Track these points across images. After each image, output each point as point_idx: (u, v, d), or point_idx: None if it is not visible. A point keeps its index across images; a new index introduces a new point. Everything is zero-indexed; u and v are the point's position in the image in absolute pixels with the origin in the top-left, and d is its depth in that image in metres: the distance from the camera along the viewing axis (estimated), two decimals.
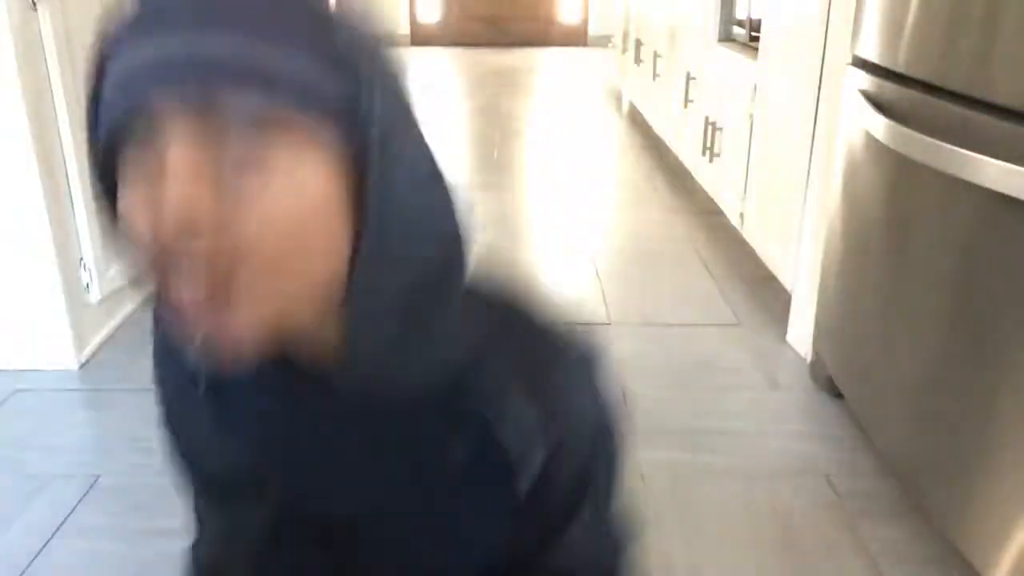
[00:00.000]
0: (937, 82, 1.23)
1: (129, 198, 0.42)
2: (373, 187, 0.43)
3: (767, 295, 2.19)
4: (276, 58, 0.40)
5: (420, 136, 0.46)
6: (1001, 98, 1.08)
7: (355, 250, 0.44)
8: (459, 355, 0.49)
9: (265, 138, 0.40)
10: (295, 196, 0.41)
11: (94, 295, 1.88)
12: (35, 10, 1.66)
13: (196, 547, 0.71)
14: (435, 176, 0.47)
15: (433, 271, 0.46)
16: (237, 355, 0.43)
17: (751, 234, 2.31)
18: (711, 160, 2.71)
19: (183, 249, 0.40)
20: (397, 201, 0.44)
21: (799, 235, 1.91)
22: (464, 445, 0.51)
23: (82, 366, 1.83)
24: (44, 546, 1.28)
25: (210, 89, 0.39)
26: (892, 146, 1.30)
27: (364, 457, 0.53)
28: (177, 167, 0.39)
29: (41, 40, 1.68)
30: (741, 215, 2.39)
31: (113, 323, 1.99)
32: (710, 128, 2.68)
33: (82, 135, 1.80)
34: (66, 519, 1.34)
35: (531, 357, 0.52)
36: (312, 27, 0.42)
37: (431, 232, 0.46)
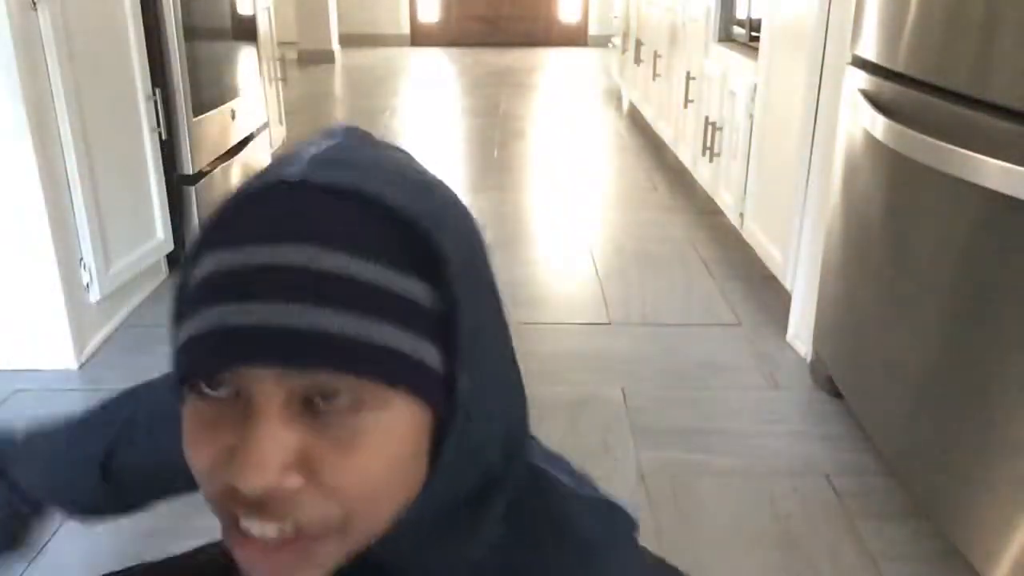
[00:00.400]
0: (937, 82, 1.23)
1: (199, 427, 0.42)
2: (455, 437, 0.43)
3: (767, 295, 2.19)
4: (379, 339, 0.40)
5: (505, 343, 0.47)
6: (1001, 98, 1.08)
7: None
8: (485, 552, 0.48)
9: (360, 414, 0.40)
10: (380, 459, 0.41)
11: (94, 295, 1.88)
12: (35, 10, 1.66)
13: None
14: (513, 387, 0.48)
15: (493, 480, 0.47)
16: None
17: (751, 234, 2.31)
18: (711, 160, 2.71)
19: (261, 504, 0.40)
20: (474, 435, 0.44)
21: (799, 235, 1.91)
22: None
23: (82, 366, 1.83)
24: (44, 546, 1.28)
25: (317, 370, 0.39)
26: (892, 146, 1.30)
27: None
28: (268, 427, 0.39)
29: (41, 40, 1.68)
30: (741, 215, 2.39)
31: (113, 323, 1.99)
32: (710, 128, 2.68)
33: (82, 134, 1.79)
34: (66, 519, 1.34)
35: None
36: (416, 302, 0.42)
37: (497, 446, 0.47)
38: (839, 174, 1.60)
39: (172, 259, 2.34)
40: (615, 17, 5.15)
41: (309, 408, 0.40)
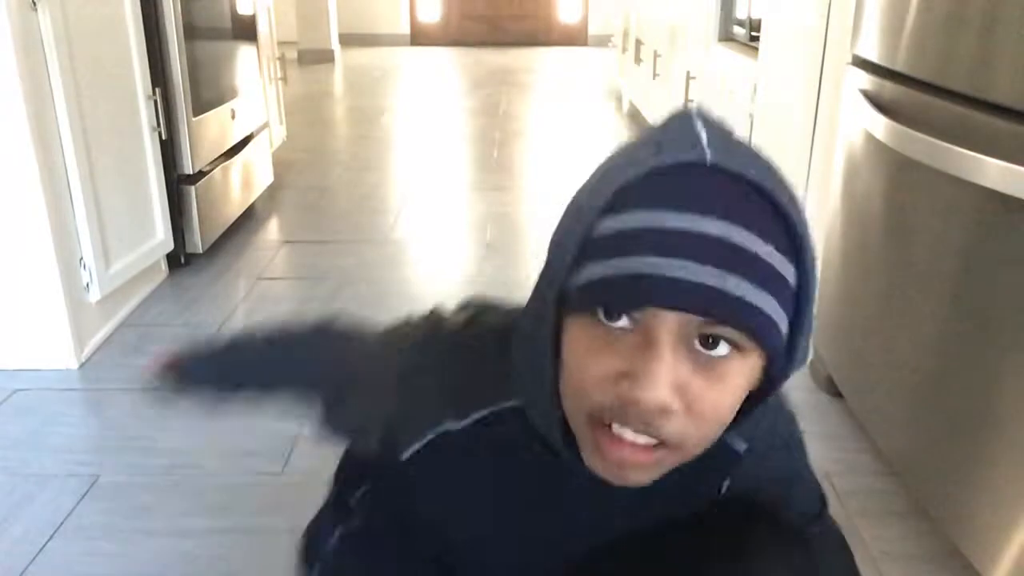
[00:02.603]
0: (937, 82, 1.23)
1: (593, 350, 0.53)
2: (781, 375, 0.56)
3: None
4: (767, 309, 0.51)
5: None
6: (1001, 98, 1.08)
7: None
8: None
9: (729, 359, 0.52)
10: (732, 396, 0.54)
11: (94, 295, 1.88)
12: (35, 10, 1.66)
13: None
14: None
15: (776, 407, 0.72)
16: (643, 482, 0.56)
17: None
18: None
19: (647, 416, 0.51)
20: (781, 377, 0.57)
21: None
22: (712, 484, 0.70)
23: (81, 366, 1.83)
24: (44, 546, 1.28)
25: (716, 322, 0.50)
26: (892, 146, 1.30)
27: (649, 514, 0.68)
28: (667, 358, 0.50)
29: (41, 40, 1.68)
30: None
31: (112, 323, 1.99)
32: None
33: (82, 134, 1.79)
34: (66, 519, 1.34)
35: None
36: (785, 279, 0.52)
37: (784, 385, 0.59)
38: (839, 174, 1.60)
39: (172, 259, 2.34)
40: (614, 17, 5.15)
41: (692, 349, 0.51)
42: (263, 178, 2.99)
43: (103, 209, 1.90)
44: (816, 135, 1.81)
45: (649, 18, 4.00)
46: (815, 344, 1.75)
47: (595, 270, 0.51)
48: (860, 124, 1.46)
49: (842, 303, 1.60)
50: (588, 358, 0.53)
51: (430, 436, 0.65)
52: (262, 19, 3.01)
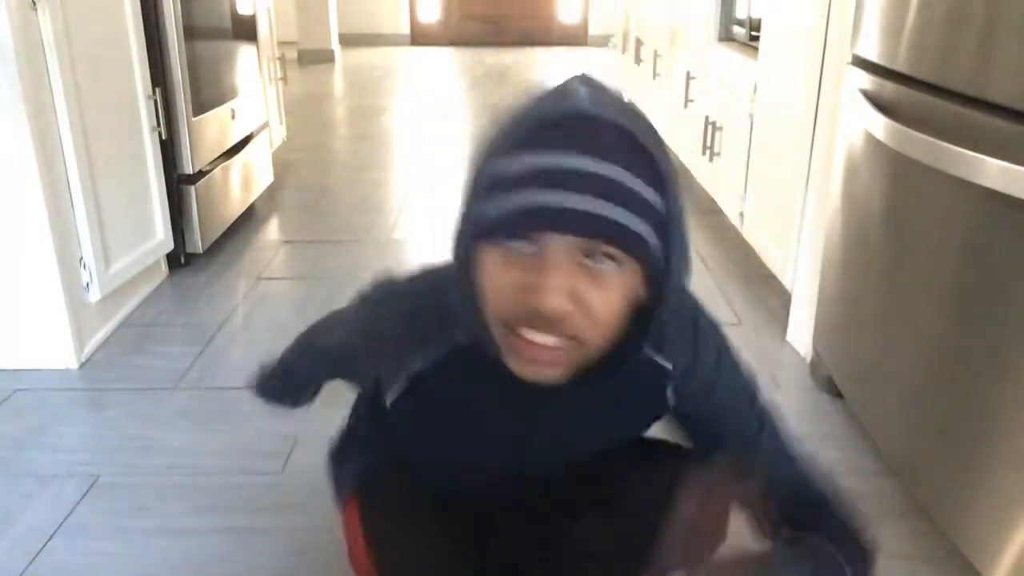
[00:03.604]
0: (937, 82, 1.23)
1: (501, 269, 0.65)
2: (668, 292, 0.68)
3: (767, 295, 2.19)
4: (638, 229, 0.63)
5: (687, 231, 0.70)
6: (1001, 98, 1.08)
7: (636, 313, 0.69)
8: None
9: (611, 271, 0.64)
10: (617, 299, 0.66)
11: (94, 295, 1.88)
12: (35, 10, 1.66)
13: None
14: (688, 259, 0.71)
15: (683, 303, 0.77)
16: (556, 376, 0.69)
17: (751, 233, 2.31)
18: (711, 159, 2.71)
19: (548, 319, 0.63)
20: (673, 288, 0.69)
21: (799, 235, 1.91)
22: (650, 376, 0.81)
23: (82, 365, 1.83)
24: (44, 546, 1.28)
25: (596, 241, 0.62)
26: (892, 145, 1.30)
27: (592, 412, 0.82)
28: (559, 271, 0.62)
29: (41, 40, 1.68)
30: (741, 214, 2.39)
31: (113, 323, 2.00)
32: (710, 128, 2.68)
33: (82, 134, 1.79)
34: (66, 519, 1.34)
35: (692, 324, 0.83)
36: (652, 205, 0.64)
37: (679, 292, 0.71)
38: (839, 174, 1.60)
39: (172, 258, 2.34)
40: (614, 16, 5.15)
41: (581, 263, 0.63)
42: (263, 178, 2.99)
43: (103, 209, 1.90)
44: (816, 135, 1.81)
45: (649, 18, 4.00)
46: (815, 344, 1.75)
47: (500, 205, 0.63)
48: (860, 124, 1.46)
49: (842, 303, 1.60)
50: (498, 277, 0.65)
51: (405, 382, 0.80)
52: (262, 19, 3.01)
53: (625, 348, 0.71)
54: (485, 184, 0.65)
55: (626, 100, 0.68)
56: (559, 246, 0.62)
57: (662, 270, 0.67)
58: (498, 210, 0.63)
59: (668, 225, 0.66)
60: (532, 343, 0.65)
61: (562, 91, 0.66)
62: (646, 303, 0.69)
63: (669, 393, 0.81)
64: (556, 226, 0.61)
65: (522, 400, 0.75)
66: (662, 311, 0.69)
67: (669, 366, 0.80)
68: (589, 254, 0.63)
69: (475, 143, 0.69)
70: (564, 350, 0.66)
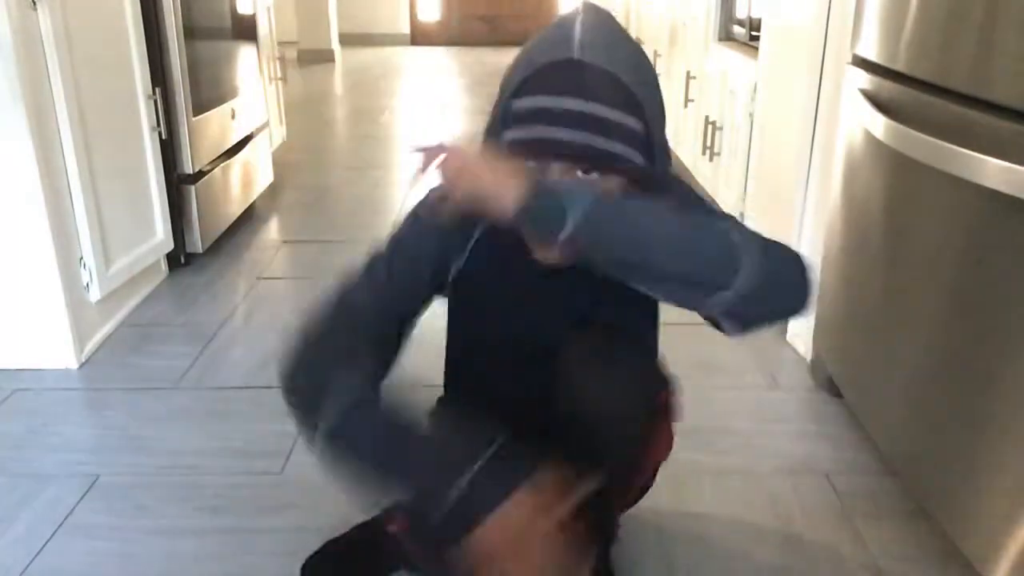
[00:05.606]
0: (937, 81, 1.23)
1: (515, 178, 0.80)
2: (655, 186, 0.87)
3: None
4: (619, 151, 0.82)
5: (666, 144, 0.89)
6: (1001, 98, 1.08)
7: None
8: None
9: (601, 180, 0.84)
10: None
11: (94, 294, 1.88)
12: (35, 10, 1.66)
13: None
14: (670, 163, 0.90)
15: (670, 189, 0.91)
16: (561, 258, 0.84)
17: None
18: (711, 159, 2.71)
19: None
20: (660, 180, 0.87)
21: (799, 234, 1.91)
22: None
23: (81, 365, 1.83)
24: (44, 546, 1.28)
25: (583, 162, 0.83)
26: (892, 145, 1.30)
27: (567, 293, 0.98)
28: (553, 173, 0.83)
29: (41, 40, 1.68)
30: (741, 214, 2.39)
31: (113, 323, 1.99)
32: (710, 127, 2.68)
33: (82, 134, 1.79)
34: (66, 519, 1.34)
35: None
36: (633, 129, 0.83)
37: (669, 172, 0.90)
38: (839, 174, 1.60)
39: (172, 258, 2.34)
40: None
41: (575, 177, 0.83)
42: (263, 178, 2.99)
43: (103, 209, 1.90)
44: (816, 135, 1.81)
45: (649, 17, 4.00)
46: (815, 344, 1.75)
47: (511, 135, 0.84)
48: (860, 124, 1.46)
49: (842, 303, 1.60)
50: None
51: (451, 278, 0.99)
52: (262, 19, 3.01)
53: None
54: (502, 118, 0.85)
55: (615, 34, 0.85)
56: (559, 168, 0.83)
57: (647, 173, 0.84)
58: (511, 138, 0.84)
59: (650, 137, 0.84)
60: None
61: (560, 35, 0.83)
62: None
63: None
64: (557, 154, 0.82)
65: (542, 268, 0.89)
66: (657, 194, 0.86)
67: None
68: (585, 171, 0.83)
69: (501, 81, 0.88)
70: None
